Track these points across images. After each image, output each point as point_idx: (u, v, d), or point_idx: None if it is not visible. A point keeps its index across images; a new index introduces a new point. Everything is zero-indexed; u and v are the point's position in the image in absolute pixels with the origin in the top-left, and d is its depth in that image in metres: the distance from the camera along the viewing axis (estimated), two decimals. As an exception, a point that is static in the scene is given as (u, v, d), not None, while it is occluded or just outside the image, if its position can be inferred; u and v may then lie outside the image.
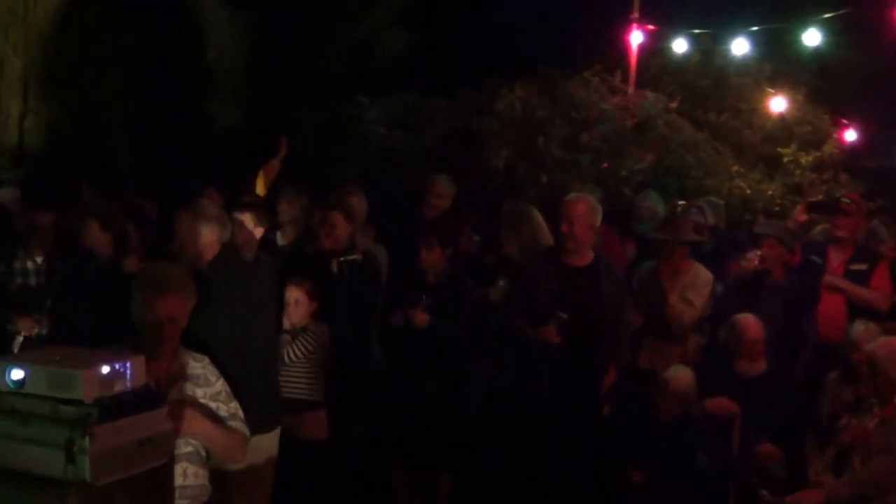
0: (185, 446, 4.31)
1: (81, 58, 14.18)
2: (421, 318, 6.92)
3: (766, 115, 12.35)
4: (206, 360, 4.59)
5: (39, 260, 7.84)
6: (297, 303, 6.74)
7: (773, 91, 12.34)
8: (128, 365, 3.69)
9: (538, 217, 7.69)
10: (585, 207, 6.83)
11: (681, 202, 8.56)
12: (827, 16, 11.48)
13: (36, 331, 7.34)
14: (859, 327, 6.77)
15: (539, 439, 6.71)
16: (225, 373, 4.65)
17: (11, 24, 14.02)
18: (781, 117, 12.28)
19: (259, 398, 5.29)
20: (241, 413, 4.59)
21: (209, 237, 5.59)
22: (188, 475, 4.36)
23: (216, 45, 15.44)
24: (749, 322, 7.00)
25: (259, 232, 7.22)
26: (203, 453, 4.45)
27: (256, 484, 5.62)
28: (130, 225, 7.80)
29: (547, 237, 7.51)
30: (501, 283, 7.42)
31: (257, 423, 4.99)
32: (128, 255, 7.49)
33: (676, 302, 7.43)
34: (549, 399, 6.70)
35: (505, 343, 7.09)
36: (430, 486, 7.23)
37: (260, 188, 9.81)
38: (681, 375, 6.84)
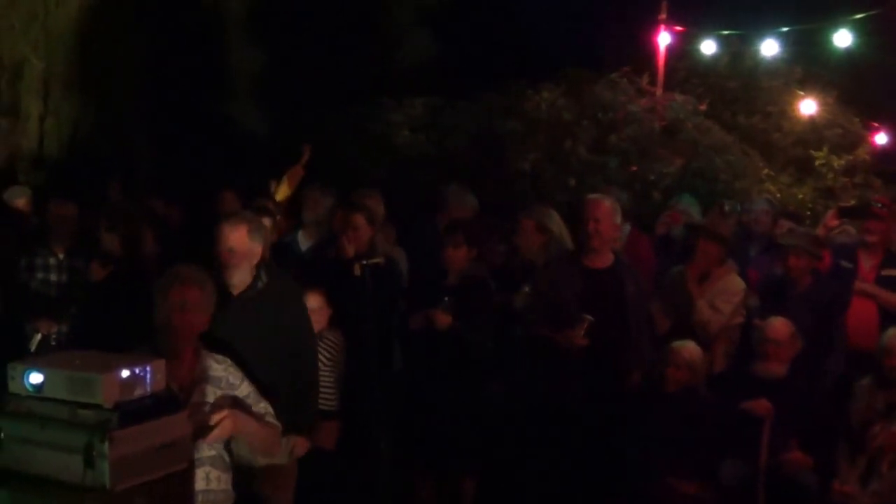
0: (207, 450, 4.27)
1: (102, 60, 14.19)
2: (443, 319, 6.82)
3: (795, 117, 12.26)
4: (228, 361, 4.57)
5: (61, 256, 7.83)
6: (320, 309, 6.68)
7: (802, 93, 12.25)
8: (148, 369, 3.67)
9: (559, 220, 7.64)
10: (610, 205, 6.82)
11: (729, 201, 8.47)
12: (858, 16, 11.37)
13: (54, 330, 7.33)
14: (892, 333, 6.67)
15: (565, 443, 6.63)
16: (249, 373, 4.60)
17: (31, 26, 14.05)
18: (811, 120, 12.18)
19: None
20: (272, 410, 4.60)
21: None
22: (211, 479, 4.32)
23: (237, 48, 15.42)
24: (773, 324, 6.90)
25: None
26: (227, 458, 4.41)
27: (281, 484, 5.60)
28: (146, 227, 7.80)
29: (568, 241, 7.46)
30: (526, 289, 7.34)
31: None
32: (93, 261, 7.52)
33: (704, 308, 7.34)
34: (575, 403, 6.63)
35: (529, 349, 7.01)
36: (453, 492, 7.16)
37: (282, 193, 9.78)
38: (689, 346, 6.85)
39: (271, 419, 4.58)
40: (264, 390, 4.69)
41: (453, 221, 7.72)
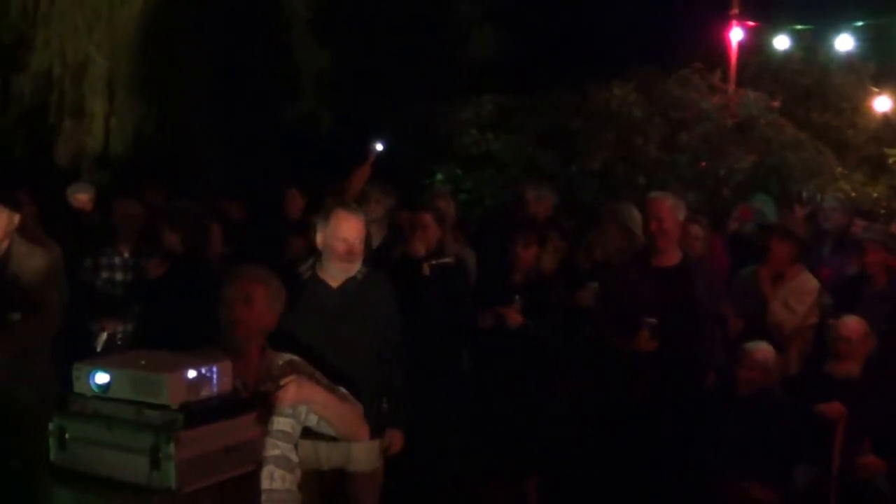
0: (272, 449, 4.22)
1: (166, 58, 14.27)
2: (514, 318, 6.77)
3: (869, 114, 12.03)
4: (296, 360, 4.51)
5: (126, 255, 7.86)
6: None
7: (877, 90, 12.02)
8: (214, 369, 3.63)
9: (637, 214, 7.55)
10: (672, 203, 6.77)
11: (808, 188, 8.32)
12: (937, 10, 11.14)
13: (120, 329, 7.36)
14: (970, 333, 6.53)
15: (633, 444, 6.56)
16: (322, 369, 4.56)
17: (95, 25, 14.16)
18: (885, 117, 11.94)
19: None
20: (350, 395, 4.47)
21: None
22: (275, 478, 4.25)
23: (302, 46, 15.45)
24: (846, 322, 6.75)
25: None
26: (293, 458, 4.36)
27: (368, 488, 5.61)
28: (212, 227, 7.81)
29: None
30: (594, 285, 7.28)
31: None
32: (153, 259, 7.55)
33: (778, 309, 7.23)
34: (644, 403, 6.55)
35: (598, 349, 6.95)
36: (519, 492, 7.10)
37: (350, 193, 9.78)
38: (763, 347, 6.72)
39: (351, 399, 4.46)
40: (356, 386, 4.62)
41: (528, 219, 7.68)
